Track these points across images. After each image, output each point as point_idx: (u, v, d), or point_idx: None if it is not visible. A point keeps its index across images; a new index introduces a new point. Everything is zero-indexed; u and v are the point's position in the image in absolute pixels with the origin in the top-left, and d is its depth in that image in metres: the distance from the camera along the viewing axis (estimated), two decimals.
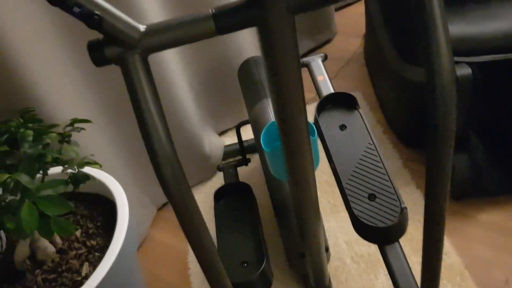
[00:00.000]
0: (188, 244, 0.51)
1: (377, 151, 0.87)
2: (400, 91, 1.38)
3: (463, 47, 1.16)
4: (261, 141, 0.79)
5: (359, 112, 0.96)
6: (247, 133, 1.55)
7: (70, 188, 0.82)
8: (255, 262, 0.86)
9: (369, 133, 0.91)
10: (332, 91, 1.08)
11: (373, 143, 0.90)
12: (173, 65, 1.29)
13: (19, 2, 0.93)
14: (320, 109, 0.95)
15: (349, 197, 0.80)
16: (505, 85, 1.20)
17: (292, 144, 0.52)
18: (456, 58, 1.14)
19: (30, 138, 0.78)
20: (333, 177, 0.86)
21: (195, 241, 0.53)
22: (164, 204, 1.46)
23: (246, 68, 1.31)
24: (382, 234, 0.77)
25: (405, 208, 0.78)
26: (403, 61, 1.29)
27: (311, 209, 0.63)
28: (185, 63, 1.38)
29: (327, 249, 0.99)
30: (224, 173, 1.33)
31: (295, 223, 0.96)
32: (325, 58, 1.22)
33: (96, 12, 0.38)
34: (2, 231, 0.79)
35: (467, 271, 1.08)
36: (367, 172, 0.84)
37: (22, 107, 0.93)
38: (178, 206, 0.50)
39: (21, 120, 0.84)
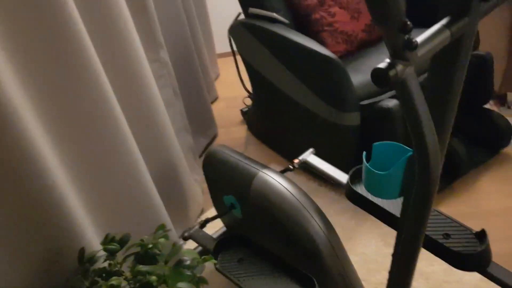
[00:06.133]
0: None
1: None
2: (337, 137, 1.64)
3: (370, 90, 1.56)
4: (372, 171, 0.90)
5: None
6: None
7: None
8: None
9: None
10: (335, 169, 1.29)
11: None
12: None
13: None
14: (353, 179, 1.14)
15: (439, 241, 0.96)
16: None
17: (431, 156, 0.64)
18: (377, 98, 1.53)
19: (167, 250, 0.89)
20: None
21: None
22: None
23: (219, 158, 1.27)
24: (486, 255, 0.96)
25: (481, 230, 0.97)
26: (334, 109, 1.56)
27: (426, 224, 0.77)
28: None
29: None
30: (193, 239, 1.32)
31: None
32: (314, 151, 1.40)
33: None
34: None
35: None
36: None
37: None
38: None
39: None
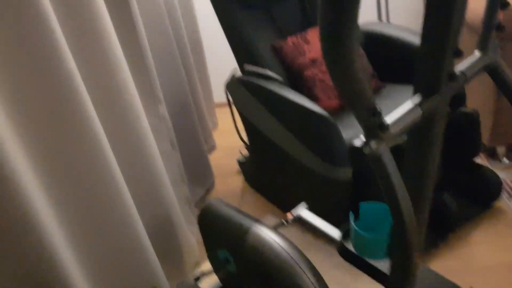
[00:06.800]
0: None
1: None
2: (330, 190, 1.68)
3: None
4: (359, 233, 0.95)
5: None
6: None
7: None
8: None
9: None
10: (328, 225, 1.34)
11: None
12: None
13: None
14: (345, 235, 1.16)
15: None
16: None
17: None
18: None
19: None
20: None
21: None
22: None
23: (214, 212, 1.28)
24: None
25: None
26: (326, 163, 1.61)
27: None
28: None
29: None
30: None
31: None
32: (307, 205, 1.46)
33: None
34: None
35: None
36: None
37: None
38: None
39: None
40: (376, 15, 2.68)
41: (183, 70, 2.07)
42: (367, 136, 0.56)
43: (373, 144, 0.56)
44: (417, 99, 0.62)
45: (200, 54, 2.67)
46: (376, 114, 0.54)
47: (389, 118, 0.58)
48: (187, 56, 2.25)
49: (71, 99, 1.03)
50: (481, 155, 2.16)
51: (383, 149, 0.57)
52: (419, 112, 0.61)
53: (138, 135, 1.40)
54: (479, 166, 1.84)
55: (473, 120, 1.69)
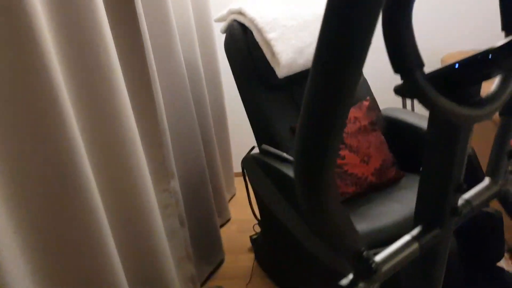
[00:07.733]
0: None
1: None
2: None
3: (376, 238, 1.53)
4: None
5: None
6: None
7: None
8: None
9: None
10: None
11: None
12: None
13: None
14: None
15: None
16: None
17: None
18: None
19: None
20: None
21: None
22: None
23: None
24: None
25: None
26: (337, 257, 1.49)
27: None
28: None
29: None
30: None
31: None
32: None
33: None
34: None
35: None
36: None
37: None
38: None
39: None
40: (400, 103, 2.67)
41: (201, 140, 2.07)
42: (355, 274, 0.51)
43: (361, 285, 0.50)
44: (415, 232, 0.57)
45: (222, 121, 2.68)
46: (362, 259, 0.49)
47: (381, 255, 0.53)
48: (208, 124, 2.26)
49: (71, 174, 1.02)
50: (506, 255, 2.03)
51: None
52: (416, 246, 0.55)
53: (142, 212, 1.37)
54: (502, 271, 1.72)
55: (495, 221, 1.61)
